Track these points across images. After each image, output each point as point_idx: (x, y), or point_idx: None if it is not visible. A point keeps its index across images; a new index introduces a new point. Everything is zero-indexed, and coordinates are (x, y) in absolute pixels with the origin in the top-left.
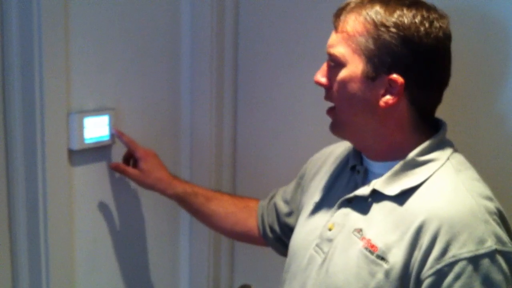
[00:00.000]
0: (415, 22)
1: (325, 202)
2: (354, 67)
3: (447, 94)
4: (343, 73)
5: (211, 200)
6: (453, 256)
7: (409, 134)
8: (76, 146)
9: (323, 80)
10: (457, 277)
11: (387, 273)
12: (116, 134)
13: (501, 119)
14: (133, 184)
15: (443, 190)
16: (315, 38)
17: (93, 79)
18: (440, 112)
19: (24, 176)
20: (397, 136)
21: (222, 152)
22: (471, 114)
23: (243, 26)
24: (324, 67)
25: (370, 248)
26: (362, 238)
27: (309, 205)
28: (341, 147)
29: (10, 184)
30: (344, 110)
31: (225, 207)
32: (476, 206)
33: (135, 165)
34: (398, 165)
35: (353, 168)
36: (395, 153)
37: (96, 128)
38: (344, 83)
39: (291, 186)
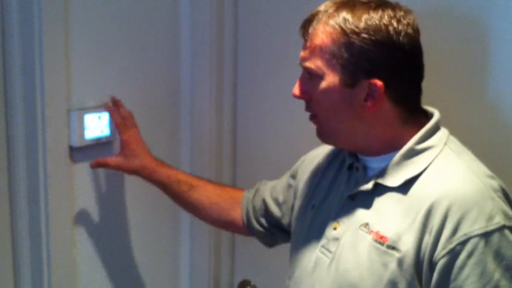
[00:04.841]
0: (384, 23)
1: (326, 204)
2: (332, 77)
3: (436, 88)
4: (322, 85)
5: (195, 189)
6: (465, 234)
7: (400, 129)
8: (76, 143)
9: (301, 93)
10: (470, 255)
11: (400, 262)
12: (108, 108)
13: (489, 111)
14: (134, 181)
15: (447, 173)
16: None
17: (93, 76)
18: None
19: (26, 173)
20: (388, 134)
21: (222, 147)
22: (460, 107)
23: (243, 21)
24: (300, 80)
25: (380, 240)
26: (370, 232)
27: (307, 209)
28: (330, 147)
29: (11, 180)
30: (330, 119)
31: (209, 197)
32: (482, 184)
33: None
34: (397, 156)
35: (350, 166)
36: (390, 147)
37: (96, 125)
38: (324, 94)
39: (280, 184)
